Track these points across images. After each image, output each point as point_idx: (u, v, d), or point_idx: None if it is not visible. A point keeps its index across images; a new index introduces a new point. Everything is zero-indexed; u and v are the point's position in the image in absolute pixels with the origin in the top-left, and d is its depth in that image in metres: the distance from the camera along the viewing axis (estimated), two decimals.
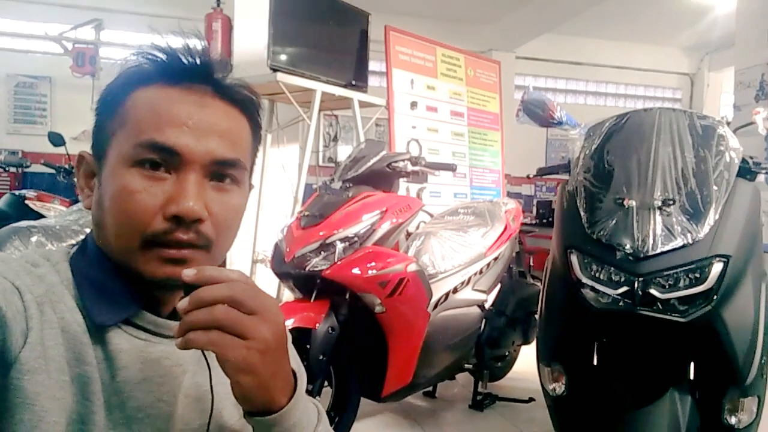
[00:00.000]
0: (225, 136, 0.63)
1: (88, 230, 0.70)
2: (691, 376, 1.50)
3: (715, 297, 1.32)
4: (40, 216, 3.18)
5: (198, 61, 0.62)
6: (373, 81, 5.26)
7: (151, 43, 0.62)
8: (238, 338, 0.52)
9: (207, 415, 0.65)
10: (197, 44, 0.63)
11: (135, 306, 0.62)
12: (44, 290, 0.57)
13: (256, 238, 3.48)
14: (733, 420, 1.41)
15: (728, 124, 1.60)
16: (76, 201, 3.74)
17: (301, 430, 0.59)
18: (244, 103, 0.66)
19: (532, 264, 5.10)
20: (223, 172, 0.63)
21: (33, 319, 0.54)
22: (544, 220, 6.33)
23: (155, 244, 0.59)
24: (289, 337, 0.76)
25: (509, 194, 5.76)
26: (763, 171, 1.62)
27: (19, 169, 6.65)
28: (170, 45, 0.62)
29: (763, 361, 1.39)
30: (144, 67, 0.62)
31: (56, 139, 3.82)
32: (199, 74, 0.63)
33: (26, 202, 3.55)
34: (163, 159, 0.60)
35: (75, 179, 0.67)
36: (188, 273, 0.53)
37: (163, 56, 0.62)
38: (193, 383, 0.64)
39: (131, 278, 0.61)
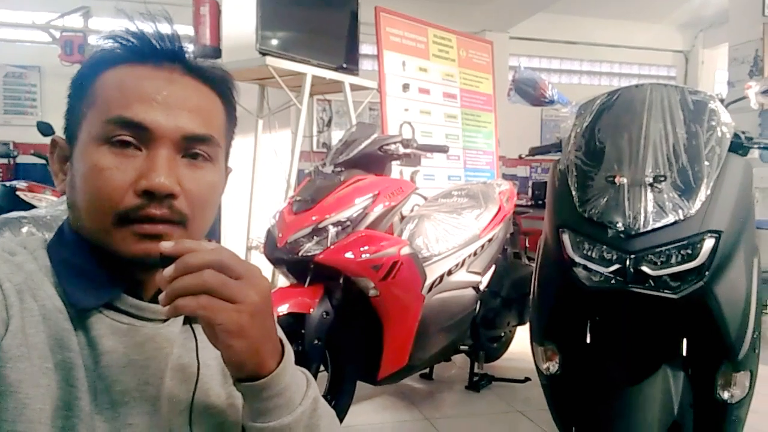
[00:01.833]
0: (195, 112, 0.62)
1: None
2: (684, 353, 1.50)
3: (706, 273, 1.32)
4: (31, 207, 3.16)
5: (167, 41, 0.62)
6: (366, 65, 5.21)
7: (122, 26, 0.62)
8: (227, 302, 0.52)
9: (185, 385, 0.64)
10: (166, 25, 0.63)
11: (116, 289, 0.61)
12: (23, 278, 0.57)
13: (249, 224, 3.47)
14: (725, 395, 1.41)
15: (722, 101, 1.58)
16: None
17: (291, 394, 0.60)
18: (216, 81, 0.66)
19: (528, 245, 5.11)
20: (195, 148, 0.62)
21: (13, 307, 0.54)
22: (540, 202, 6.32)
23: (129, 221, 0.58)
24: None
25: (504, 176, 5.75)
26: (756, 146, 1.61)
27: (11, 160, 6.62)
28: (139, 27, 0.61)
29: (755, 336, 1.39)
30: (113, 49, 0.62)
31: (45, 129, 3.79)
32: (168, 53, 0.62)
33: (17, 193, 3.53)
34: (133, 135, 0.59)
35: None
36: (166, 245, 0.54)
37: (132, 38, 0.61)
38: (179, 364, 0.64)
39: (109, 260, 0.60)
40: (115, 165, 0.58)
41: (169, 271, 0.52)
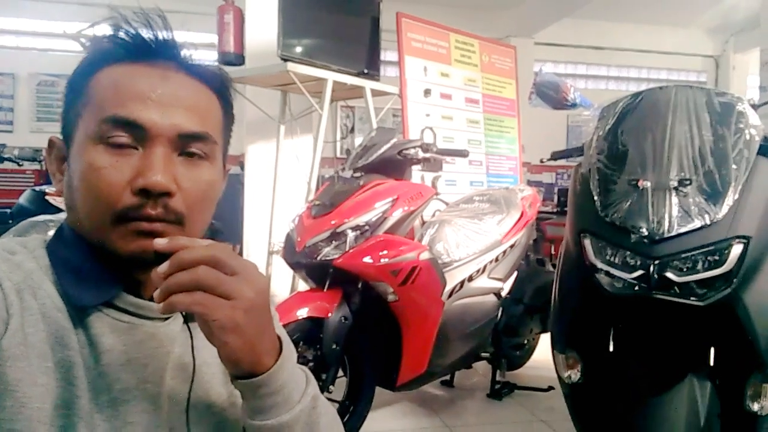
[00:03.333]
0: (191, 110, 0.62)
1: None
2: (711, 362, 1.45)
3: (734, 280, 1.28)
4: (59, 210, 3.22)
5: (161, 39, 0.62)
6: (389, 71, 5.21)
7: (116, 25, 0.62)
8: (222, 298, 0.52)
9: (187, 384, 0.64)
10: (160, 24, 0.62)
11: (115, 288, 0.61)
12: (22, 277, 0.57)
13: (271, 229, 3.48)
14: (755, 407, 1.36)
15: (754, 106, 1.53)
16: None
17: (290, 392, 0.59)
18: (212, 79, 0.65)
19: (553, 252, 5.03)
20: (192, 146, 0.62)
21: (13, 306, 0.54)
22: (565, 208, 6.23)
23: (126, 220, 0.58)
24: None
25: (529, 182, 5.69)
26: None
27: (43, 165, 6.78)
28: (134, 26, 0.61)
29: None
30: (108, 49, 0.62)
31: None
32: (162, 52, 0.62)
33: (46, 197, 3.60)
34: (128, 134, 0.59)
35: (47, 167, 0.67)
36: (160, 242, 0.54)
37: (126, 37, 0.61)
38: (179, 362, 0.64)
39: (108, 259, 0.60)
40: (111, 164, 0.58)
41: (163, 267, 0.52)
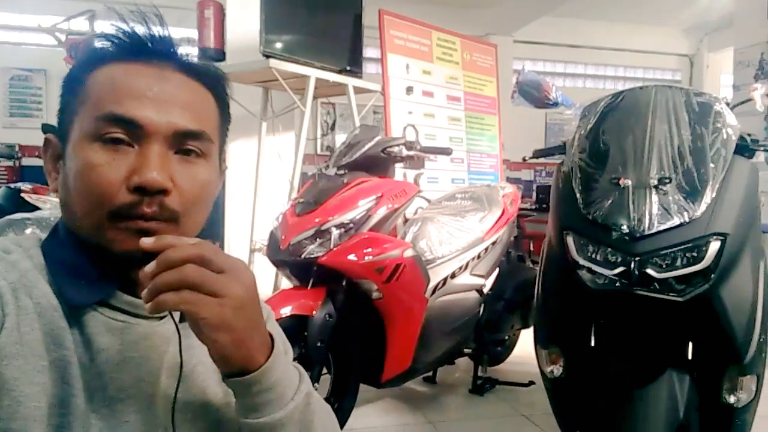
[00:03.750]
0: (187, 108, 0.62)
1: None
2: (690, 356, 1.49)
3: (712, 276, 1.31)
4: (35, 208, 3.17)
5: (158, 38, 0.62)
6: (369, 68, 5.21)
7: (113, 24, 0.62)
8: (210, 296, 0.52)
9: (181, 384, 0.63)
10: (157, 23, 0.63)
11: (110, 286, 0.61)
12: (17, 276, 0.57)
13: (253, 227, 3.47)
14: (732, 399, 1.40)
15: (728, 104, 1.57)
16: None
17: (282, 389, 0.59)
18: (208, 77, 0.66)
19: (532, 249, 5.09)
20: (188, 144, 0.62)
21: (8, 305, 0.54)
22: (544, 205, 6.31)
23: (122, 218, 0.58)
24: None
25: (508, 180, 5.73)
26: (761, 148, 1.60)
27: (16, 162, 6.65)
28: (130, 25, 0.61)
29: (761, 340, 1.38)
30: (104, 48, 0.62)
31: (50, 131, 3.79)
32: (159, 51, 0.62)
33: (22, 195, 3.54)
34: (124, 132, 0.59)
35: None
36: (146, 241, 0.53)
37: (123, 36, 0.61)
38: (175, 362, 0.63)
39: (103, 257, 0.60)
40: (107, 162, 0.58)
41: (150, 267, 0.52)
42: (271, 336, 0.60)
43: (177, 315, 0.62)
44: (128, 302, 0.62)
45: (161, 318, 0.64)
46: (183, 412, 0.63)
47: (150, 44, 0.62)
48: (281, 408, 0.59)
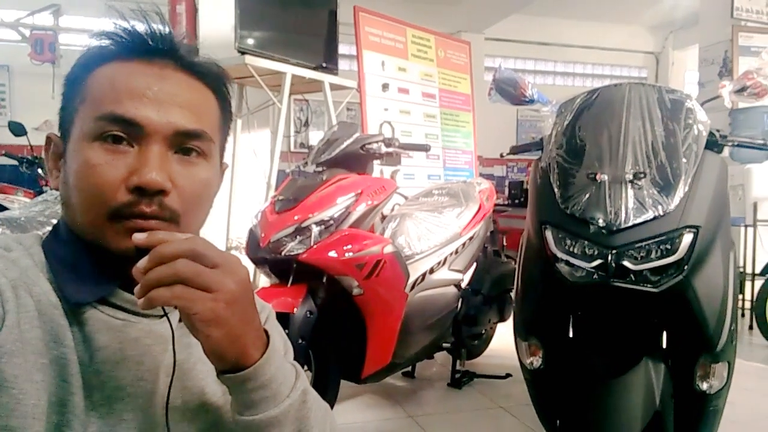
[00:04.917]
0: (187, 107, 0.62)
1: (54, 221, 0.68)
2: (664, 345, 1.53)
3: (686, 267, 1.35)
4: (3, 208, 3.09)
5: (159, 36, 0.62)
6: (343, 65, 5.21)
7: (113, 23, 0.61)
8: (203, 291, 0.52)
9: (180, 382, 0.63)
10: (158, 22, 0.63)
11: (110, 285, 0.61)
12: (18, 274, 0.57)
13: (229, 225, 3.44)
14: (704, 386, 1.45)
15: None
16: (41, 192, 3.63)
17: (278, 386, 0.58)
18: (209, 76, 0.65)
19: (505, 243, 5.15)
20: (188, 144, 0.62)
21: (9, 302, 0.54)
22: (516, 201, 6.38)
23: (121, 217, 0.58)
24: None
25: (481, 175, 5.78)
26: (730, 144, 1.66)
27: None
28: (131, 24, 0.61)
29: (732, 328, 1.43)
30: (105, 46, 0.62)
31: (17, 129, 3.70)
32: (159, 49, 0.62)
33: None
34: (124, 132, 0.59)
35: (44, 163, 0.66)
36: (139, 236, 0.53)
37: (123, 35, 0.61)
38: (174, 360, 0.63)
39: (103, 256, 0.60)
40: (106, 161, 0.58)
41: (143, 262, 0.52)
42: (267, 333, 0.60)
43: (176, 315, 0.61)
44: (128, 300, 0.61)
45: (161, 316, 0.64)
46: (181, 411, 0.63)
47: (150, 43, 0.62)
48: (276, 405, 0.58)
